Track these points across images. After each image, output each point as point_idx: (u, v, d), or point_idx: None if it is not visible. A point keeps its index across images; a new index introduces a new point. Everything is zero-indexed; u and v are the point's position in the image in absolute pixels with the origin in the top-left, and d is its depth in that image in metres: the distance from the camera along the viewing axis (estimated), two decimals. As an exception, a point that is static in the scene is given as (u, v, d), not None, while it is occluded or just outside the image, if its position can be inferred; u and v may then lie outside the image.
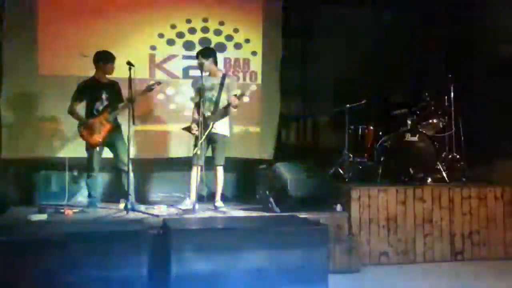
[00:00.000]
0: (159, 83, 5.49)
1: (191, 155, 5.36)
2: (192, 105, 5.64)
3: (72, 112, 5.33)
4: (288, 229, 4.20)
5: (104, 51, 5.42)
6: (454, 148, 6.17)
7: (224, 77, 5.47)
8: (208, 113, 5.29)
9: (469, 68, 6.55)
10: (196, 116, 5.37)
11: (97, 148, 5.30)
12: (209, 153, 5.42)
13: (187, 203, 5.33)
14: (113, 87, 5.40)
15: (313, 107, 7.30)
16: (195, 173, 5.35)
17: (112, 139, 5.32)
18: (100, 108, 5.33)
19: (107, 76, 5.44)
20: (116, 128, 5.35)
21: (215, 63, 5.53)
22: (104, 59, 5.36)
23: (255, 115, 6.77)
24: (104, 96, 5.35)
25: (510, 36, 6.21)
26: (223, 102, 5.38)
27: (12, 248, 3.58)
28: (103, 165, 5.50)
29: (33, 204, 5.64)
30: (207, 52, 5.53)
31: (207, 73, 5.48)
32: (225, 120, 5.43)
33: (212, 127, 5.27)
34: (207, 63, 5.43)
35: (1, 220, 4.93)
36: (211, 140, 5.35)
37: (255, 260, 3.93)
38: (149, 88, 5.37)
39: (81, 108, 5.37)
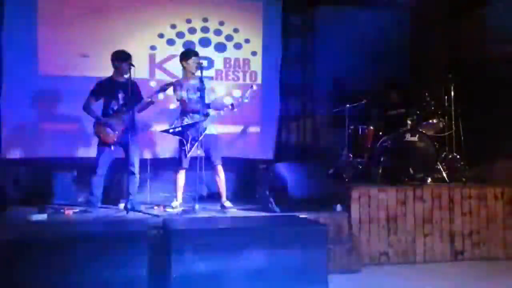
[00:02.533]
0: (171, 83, 5.48)
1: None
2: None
3: (86, 109, 5.34)
4: (288, 229, 4.20)
5: (120, 50, 5.38)
6: (454, 148, 6.17)
7: (202, 80, 5.35)
8: (197, 116, 5.25)
9: (469, 68, 6.55)
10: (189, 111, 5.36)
11: (112, 147, 5.30)
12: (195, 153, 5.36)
13: (175, 205, 5.34)
14: (131, 87, 5.34)
15: (313, 107, 7.31)
16: (183, 176, 5.38)
17: (126, 139, 5.30)
18: (116, 107, 5.33)
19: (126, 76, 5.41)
20: (131, 128, 5.30)
21: None
22: (118, 58, 5.33)
23: (255, 115, 6.78)
24: (120, 95, 5.34)
25: (510, 36, 6.21)
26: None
27: (12, 248, 3.58)
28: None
29: (33, 204, 5.64)
30: None
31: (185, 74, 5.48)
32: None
33: (205, 129, 5.28)
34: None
35: (1, 220, 4.93)
36: (203, 141, 5.29)
37: (255, 260, 3.93)
38: (163, 88, 5.38)
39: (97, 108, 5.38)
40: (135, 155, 5.27)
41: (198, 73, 5.34)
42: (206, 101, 5.37)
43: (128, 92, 5.24)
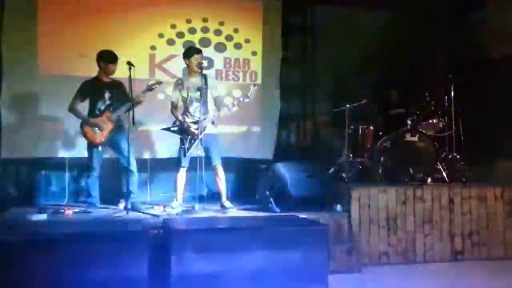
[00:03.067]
0: (159, 82, 5.48)
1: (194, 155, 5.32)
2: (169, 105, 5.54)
3: (72, 110, 5.32)
4: (288, 229, 4.20)
5: (106, 51, 5.38)
6: (454, 148, 6.17)
7: (205, 77, 5.42)
8: (198, 115, 5.23)
9: (469, 68, 6.55)
10: (181, 117, 5.34)
11: (99, 148, 5.30)
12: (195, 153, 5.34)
13: (175, 205, 5.34)
14: (117, 87, 5.34)
15: (313, 107, 7.31)
16: (183, 175, 5.37)
17: (116, 139, 5.31)
18: (102, 107, 5.33)
19: (111, 76, 5.42)
20: (119, 128, 5.33)
21: None
22: (104, 59, 5.34)
23: (255, 115, 6.78)
24: (106, 95, 5.34)
25: (510, 36, 6.21)
26: (209, 102, 5.38)
27: (12, 248, 3.58)
28: (103, 165, 5.50)
29: (33, 204, 5.64)
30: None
31: (188, 72, 5.49)
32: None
33: (205, 129, 5.26)
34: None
35: (1, 220, 4.93)
36: (203, 141, 5.26)
37: (255, 260, 3.92)
38: (150, 88, 5.36)
39: (83, 108, 5.37)
40: (130, 154, 5.25)
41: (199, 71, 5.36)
42: (208, 99, 5.37)
43: (115, 92, 5.29)
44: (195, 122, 5.24)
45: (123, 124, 5.34)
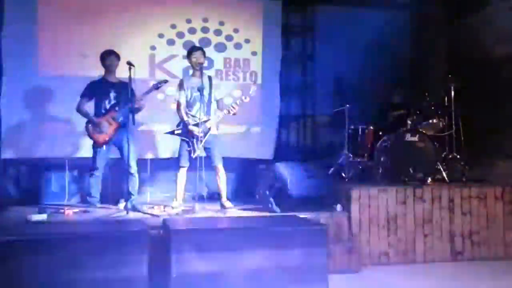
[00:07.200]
0: (166, 81, 5.48)
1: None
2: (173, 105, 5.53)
3: (80, 110, 5.35)
4: (288, 229, 4.20)
5: (105, 50, 5.42)
6: (454, 148, 6.17)
7: (210, 78, 5.44)
8: (199, 115, 5.21)
9: (469, 68, 6.55)
10: (186, 117, 5.34)
11: (104, 147, 5.31)
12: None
13: (175, 205, 5.34)
14: (123, 87, 5.27)
15: (313, 107, 7.31)
16: (183, 175, 5.37)
17: (119, 139, 5.30)
18: (108, 107, 5.34)
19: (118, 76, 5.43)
20: (123, 128, 5.31)
21: None
22: (103, 58, 5.37)
23: (255, 115, 6.78)
24: (112, 95, 5.35)
25: (510, 36, 6.21)
26: (213, 103, 5.39)
27: (12, 248, 3.58)
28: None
29: (33, 204, 5.64)
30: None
31: (191, 72, 5.50)
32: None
33: (209, 130, 5.26)
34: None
35: (1, 220, 4.93)
36: (204, 141, 5.27)
37: (255, 260, 3.93)
38: (156, 86, 5.37)
39: (90, 107, 5.38)
40: (131, 155, 5.25)
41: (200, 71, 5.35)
42: (212, 99, 5.37)
43: (121, 92, 5.27)
44: (198, 124, 5.22)
45: (127, 124, 5.33)
